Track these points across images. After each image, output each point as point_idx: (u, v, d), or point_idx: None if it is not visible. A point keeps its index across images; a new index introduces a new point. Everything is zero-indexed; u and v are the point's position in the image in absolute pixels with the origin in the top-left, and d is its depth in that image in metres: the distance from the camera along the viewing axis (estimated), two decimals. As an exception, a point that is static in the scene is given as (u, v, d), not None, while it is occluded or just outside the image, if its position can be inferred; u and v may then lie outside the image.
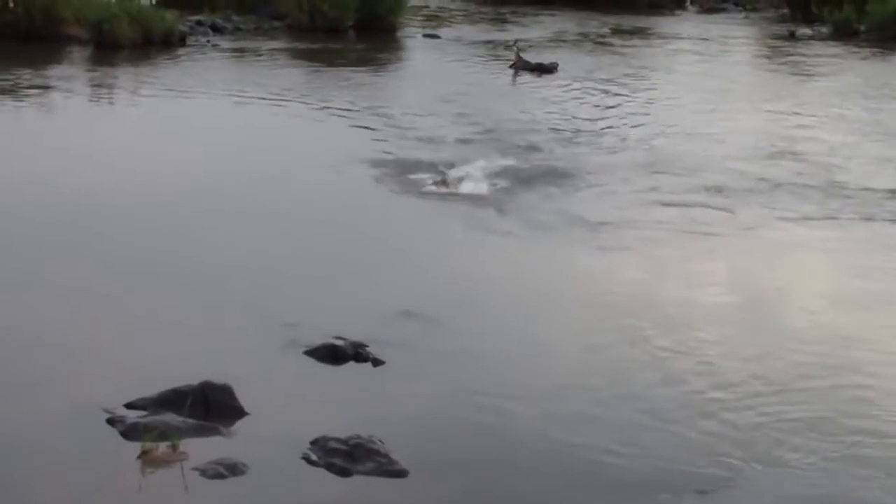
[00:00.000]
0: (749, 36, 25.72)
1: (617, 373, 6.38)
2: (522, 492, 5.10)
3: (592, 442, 5.51)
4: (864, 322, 7.42)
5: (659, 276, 8.17)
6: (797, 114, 15.04)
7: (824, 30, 25.35)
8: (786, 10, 29.74)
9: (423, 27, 23.32)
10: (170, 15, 19.65)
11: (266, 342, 6.53)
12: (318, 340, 6.46)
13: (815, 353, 6.75)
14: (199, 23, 20.93)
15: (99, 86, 15.53)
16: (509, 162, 11.30)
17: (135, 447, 5.17)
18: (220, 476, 5.02)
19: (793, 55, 21.97)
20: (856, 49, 22.86)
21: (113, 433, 5.35)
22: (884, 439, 5.70)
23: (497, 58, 19.43)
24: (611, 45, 22.44)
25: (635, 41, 23.21)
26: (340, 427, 5.39)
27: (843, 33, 24.74)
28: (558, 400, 5.99)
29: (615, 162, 11.64)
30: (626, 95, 16.01)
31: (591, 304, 7.58)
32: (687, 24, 27.21)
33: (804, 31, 25.53)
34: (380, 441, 5.28)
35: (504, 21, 25.52)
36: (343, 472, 5.12)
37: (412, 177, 10.36)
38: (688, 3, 32.67)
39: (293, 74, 17.04)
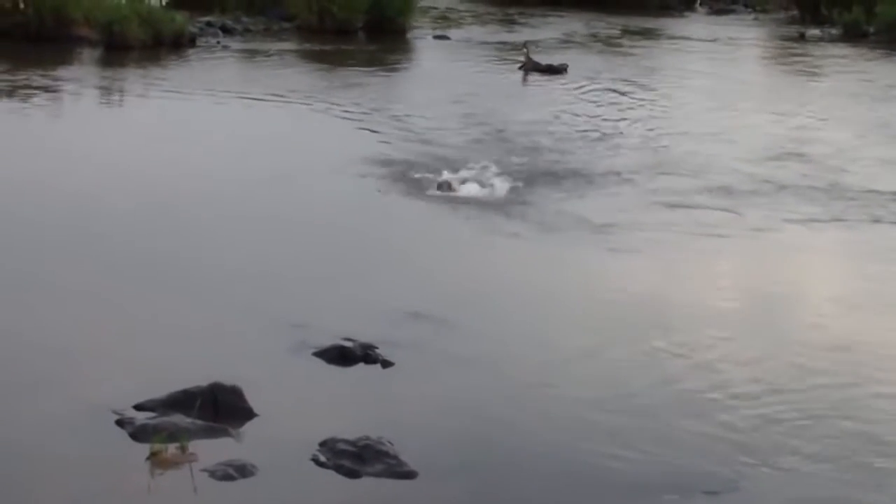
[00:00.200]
0: (758, 37, 25.71)
1: (625, 375, 6.37)
2: (530, 494, 5.10)
3: (601, 444, 5.51)
4: (872, 325, 7.41)
5: (667, 278, 8.17)
6: (805, 115, 15.04)
7: (833, 31, 25.34)
8: (795, 12, 29.73)
9: (433, 28, 23.33)
10: (180, 16, 19.67)
11: (275, 344, 6.53)
12: (327, 342, 6.46)
13: (823, 356, 6.75)
14: (208, 24, 20.97)
15: (108, 87, 15.55)
16: (517, 163, 11.30)
17: (144, 448, 5.18)
18: (229, 477, 5.02)
19: (802, 56, 21.95)
20: (865, 50, 22.85)
21: (122, 434, 5.35)
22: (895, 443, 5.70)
23: (507, 59, 19.43)
24: (620, 46, 22.44)
25: (645, 42, 23.21)
26: (349, 428, 5.39)
27: (853, 35, 24.73)
28: (567, 402, 5.99)
29: (624, 163, 11.64)
30: (635, 96, 16.00)
31: (599, 307, 7.58)
32: (696, 26, 27.20)
33: (813, 32, 25.52)
34: (389, 443, 5.29)
35: (513, 22, 25.53)
36: (352, 474, 5.12)
37: (420, 178, 10.37)
38: (697, 5, 32.67)
39: (302, 76, 17.06)
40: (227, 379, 5.74)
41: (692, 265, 8.53)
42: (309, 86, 15.87)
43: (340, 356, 6.36)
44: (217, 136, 12.47)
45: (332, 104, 14.33)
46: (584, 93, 16.12)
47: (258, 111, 13.96)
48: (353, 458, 5.19)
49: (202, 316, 6.96)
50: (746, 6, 32.32)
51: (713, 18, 29.94)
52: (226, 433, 5.42)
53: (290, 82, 15.95)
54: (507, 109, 14.41)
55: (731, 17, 30.30)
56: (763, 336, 7.10)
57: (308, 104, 14.32)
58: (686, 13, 30.68)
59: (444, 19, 25.58)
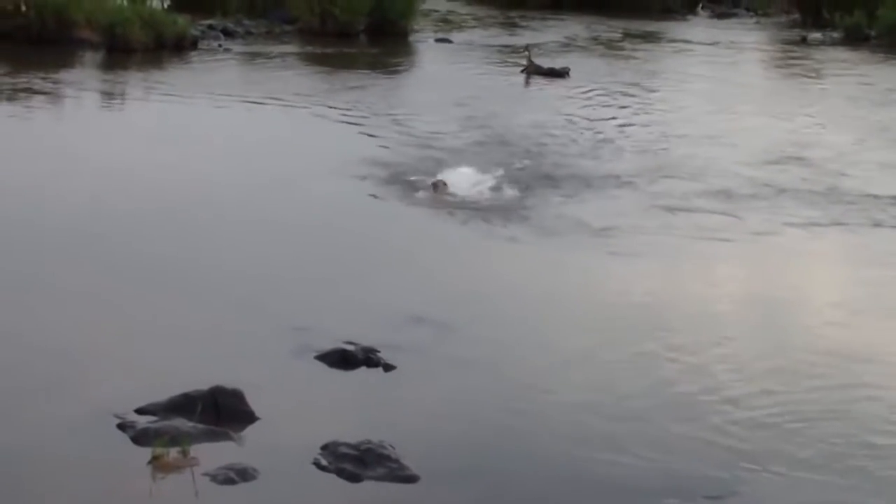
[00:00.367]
0: (760, 41, 25.72)
1: (625, 379, 6.37)
2: (532, 498, 5.10)
3: (601, 448, 5.51)
4: (871, 329, 7.41)
5: (667, 282, 8.17)
6: (806, 119, 15.04)
7: (835, 35, 25.36)
8: (797, 16, 29.74)
9: (435, 31, 23.34)
10: (182, 19, 19.68)
11: (276, 347, 6.53)
12: (328, 345, 6.46)
13: (822, 361, 6.75)
14: (210, 27, 20.97)
15: (109, 90, 15.57)
16: (518, 166, 11.31)
17: (145, 452, 5.18)
18: (230, 481, 5.02)
19: (803, 60, 21.96)
20: (866, 54, 22.87)
21: (123, 438, 5.36)
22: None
23: (509, 62, 19.44)
24: (622, 49, 22.45)
25: (646, 46, 23.22)
26: (351, 432, 5.39)
27: (854, 38, 24.75)
28: (567, 406, 5.99)
29: (624, 166, 11.64)
30: (637, 100, 16.01)
31: (598, 311, 7.58)
32: (698, 29, 27.21)
33: (815, 35, 25.53)
34: (390, 446, 5.29)
35: (514, 25, 25.54)
36: (353, 478, 5.12)
37: (421, 181, 10.36)
38: (699, 8, 32.69)
39: (304, 79, 17.07)
40: (228, 382, 5.75)
41: (692, 269, 8.53)
42: (310, 89, 15.88)
43: (342, 360, 6.36)
44: (218, 139, 12.47)
45: (334, 107, 14.33)
46: (585, 96, 16.12)
47: (259, 114, 13.96)
48: (355, 461, 5.19)
49: (203, 318, 6.96)
50: (748, 10, 32.36)
51: (715, 22, 29.96)
52: (227, 437, 5.42)
53: (292, 85, 15.96)
54: (509, 113, 14.41)
55: (733, 20, 30.31)
56: (763, 340, 7.10)
57: (309, 107, 14.32)
58: (688, 17, 30.70)
59: (446, 22, 25.59)
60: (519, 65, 18.63)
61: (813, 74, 20.07)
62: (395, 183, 10.50)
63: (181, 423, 5.41)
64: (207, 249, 8.46)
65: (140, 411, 5.56)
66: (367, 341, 6.51)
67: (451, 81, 17.30)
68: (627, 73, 18.85)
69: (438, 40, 22.19)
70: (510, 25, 25.54)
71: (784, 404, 6.07)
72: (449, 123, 13.56)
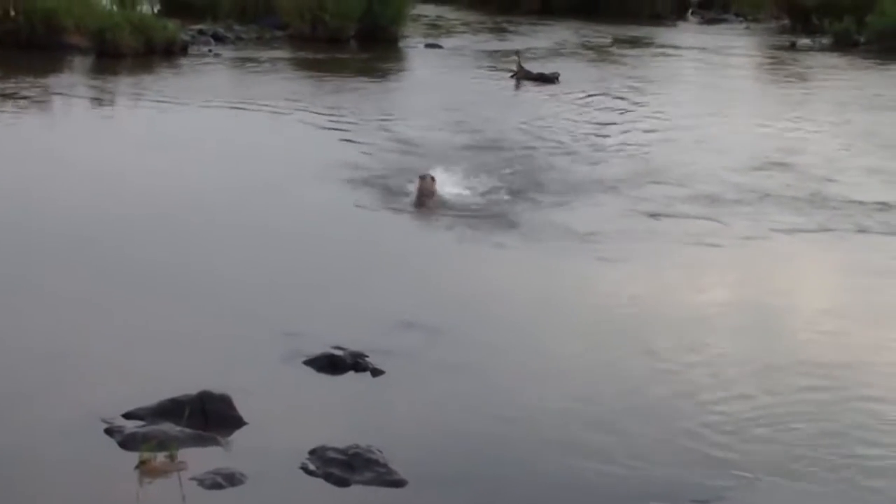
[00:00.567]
0: (749, 46, 25.78)
1: (616, 383, 6.39)
2: (521, 502, 5.11)
3: (590, 453, 5.52)
4: (857, 334, 7.43)
5: (654, 287, 8.18)
6: (794, 124, 15.08)
7: (824, 40, 25.42)
8: (786, 21, 29.80)
9: (425, 37, 23.35)
10: (172, 24, 19.68)
11: (265, 352, 6.54)
12: (316, 350, 6.47)
13: (812, 365, 6.77)
14: (201, 32, 20.97)
15: (99, 95, 15.56)
16: (507, 171, 11.32)
17: (132, 457, 5.18)
18: (218, 486, 5.03)
19: (792, 66, 22.01)
20: (855, 60, 22.92)
21: (111, 443, 5.35)
22: (884, 451, 5.71)
23: (498, 67, 19.46)
24: (612, 55, 22.49)
25: (636, 51, 23.25)
26: (339, 437, 5.40)
27: (843, 44, 24.81)
28: (557, 411, 6.00)
29: (613, 172, 11.66)
30: (626, 105, 16.04)
31: (586, 316, 7.59)
32: (687, 35, 27.26)
33: (804, 41, 25.60)
34: (378, 451, 5.29)
35: (503, 31, 25.57)
36: (341, 482, 5.13)
37: (410, 187, 10.35)
38: (689, 14, 32.74)
39: (294, 84, 17.07)
40: (216, 387, 5.75)
41: (678, 274, 8.55)
42: (300, 94, 15.88)
43: (330, 364, 6.37)
44: (208, 144, 12.47)
45: (324, 112, 14.33)
46: (575, 101, 16.15)
47: (249, 119, 13.96)
48: (343, 466, 5.20)
49: (192, 323, 6.96)
50: (738, 15, 32.40)
51: (704, 28, 30.01)
52: (215, 442, 5.42)
53: (282, 90, 15.96)
54: (499, 118, 14.43)
55: (723, 26, 30.37)
56: (755, 347, 7.11)
57: (299, 112, 14.32)
58: (677, 22, 30.74)
59: (435, 27, 25.62)
60: (509, 70, 18.66)
61: (801, 80, 20.12)
62: (383, 188, 10.50)
63: (169, 428, 5.41)
64: (197, 254, 8.46)
65: (128, 416, 5.57)
66: (355, 346, 6.52)
67: (441, 86, 17.32)
68: (617, 78, 18.88)
69: (428, 45, 22.21)
70: (499, 31, 25.57)
71: (774, 413, 6.08)
72: (439, 128, 13.58)
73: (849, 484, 5.36)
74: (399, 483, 5.14)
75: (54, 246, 8.40)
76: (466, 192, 10.38)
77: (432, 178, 10.19)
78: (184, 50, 19.34)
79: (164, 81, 16.60)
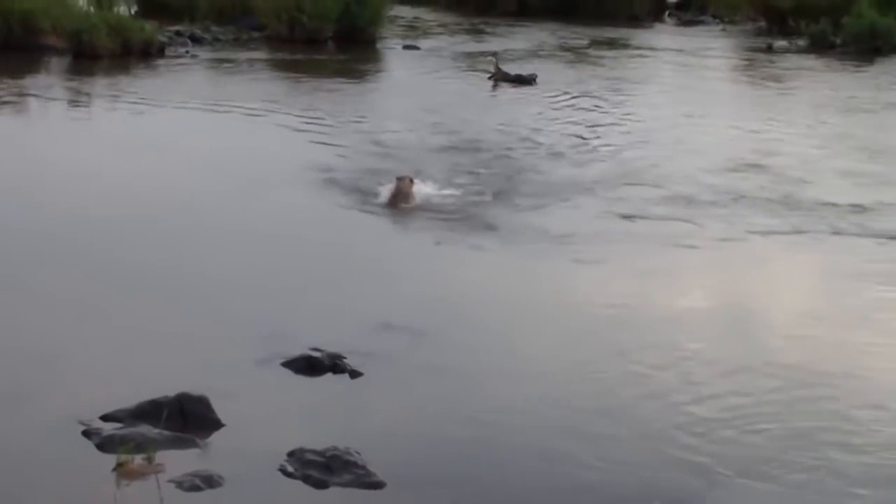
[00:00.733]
0: (725, 48, 25.86)
1: (593, 385, 6.42)
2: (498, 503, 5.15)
3: (565, 455, 5.55)
4: (838, 335, 7.47)
5: (630, 289, 8.21)
6: (770, 126, 15.14)
7: (801, 42, 25.52)
8: (763, 23, 29.91)
9: (402, 38, 23.36)
10: (149, 25, 19.63)
11: (243, 354, 6.54)
12: (295, 352, 6.48)
13: (783, 367, 6.80)
14: (178, 33, 20.92)
15: (76, 96, 15.52)
16: (485, 173, 11.36)
17: (110, 459, 5.18)
18: (196, 488, 5.03)
19: (769, 68, 22.10)
20: (831, 61, 23.03)
21: (88, 445, 5.35)
22: (853, 452, 5.75)
23: (476, 69, 19.49)
24: (589, 56, 22.53)
25: (613, 53, 23.31)
26: (317, 439, 5.41)
27: (820, 46, 24.92)
28: (535, 413, 6.03)
29: (589, 174, 11.70)
30: (603, 107, 16.08)
31: (564, 317, 7.62)
32: (664, 37, 27.33)
33: (781, 43, 25.69)
34: (357, 453, 5.31)
35: (481, 32, 25.59)
36: (320, 484, 5.14)
37: (386, 189, 10.36)
38: (666, 16, 32.82)
39: (271, 86, 17.05)
40: (194, 389, 5.75)
41: (654, 276, 8.58)
42: (278, 95, 15.87)
43: (308, 366, 6.38)
44: (186, 146, 12.45)
45: (301, 114, 14.33)
46: (552, 103, 16.18)
47: (227, 121, 13.95)
48: (321, 468, 5.21)
49: (169, 325, 6.96)
50: (715, 17, 32.47)
51: (681, 29, 30.08)
52: (193, 444, 5.43)
53: (260, 92, 15.94)
54: (476, 120, 14.46)
55: (700, 28, 30.44)
56: (733, 348, 7.14)
57: (277, 114, 14.31)
58: (654, 24, 30.80)
59: (413, 29, 25.62)
60: (486, 71, 18.69)
61: (777, 82, 20.21)
62: (360, 190, 10.51)
63: (147, 430, 5.41)
64: (174, 256, 8.45)
65: (105, 418, 5.57)
66: (333, 348, 6.53)
67: (418, 88, 17.34)
68: (594, 79, 18.93)
69: (406, 47, 22.22)
70: (476, 32, 25.59)
71: (737, 409, 6.14)
72: (416, 130, 13.60)
73: (819, 485, 5.40)
74: (377, 485, 5.16)
75: (32, 247, 8.38)
76: (444, 194, 10.40)
77: (410, 180, 10.21)
78: (161, 51, 19.30)
79: (140, 83, 16.56)
